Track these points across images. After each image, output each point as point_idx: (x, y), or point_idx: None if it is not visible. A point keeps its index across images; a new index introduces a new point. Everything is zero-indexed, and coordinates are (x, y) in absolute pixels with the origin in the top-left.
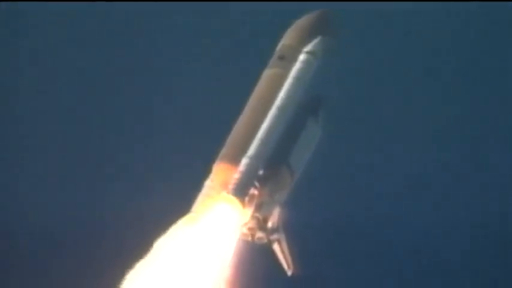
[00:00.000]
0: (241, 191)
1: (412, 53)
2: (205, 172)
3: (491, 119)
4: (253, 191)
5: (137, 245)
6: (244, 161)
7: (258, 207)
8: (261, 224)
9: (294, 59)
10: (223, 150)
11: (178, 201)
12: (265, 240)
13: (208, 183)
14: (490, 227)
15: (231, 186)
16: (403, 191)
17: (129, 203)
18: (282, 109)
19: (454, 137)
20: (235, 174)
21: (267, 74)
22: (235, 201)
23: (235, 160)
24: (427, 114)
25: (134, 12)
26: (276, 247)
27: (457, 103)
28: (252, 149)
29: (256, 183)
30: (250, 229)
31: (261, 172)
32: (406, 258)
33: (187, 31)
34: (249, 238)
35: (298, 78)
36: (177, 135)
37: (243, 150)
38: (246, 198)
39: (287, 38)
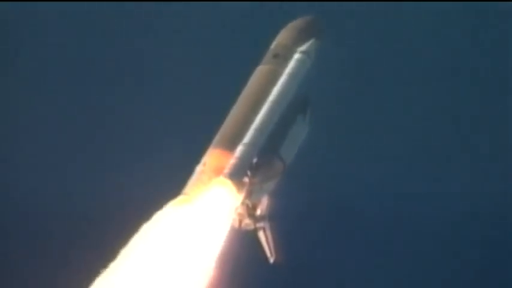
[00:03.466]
0: (236, 175)
1: (396, 55)
2: (193, 159)
3: (479, 124)
4: (245, 179)
5: (125, 228)
6: (240, 147)
7: (248, 194)
8: (250, 211)
9: (288, 58)
10: (218, 137)
11: (166, 185)
12: (252, 227)
13: (199, 168)
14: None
15: (226, 171)
16: (388, 182)
17: (118, 188)
18: (277, 102)
19: (438, 132)
20: (231, 159)
21: (261, 69)
22: (230, 184)
23: (231, 146)
24: (410, 111)
25: (127, 11)
26: (261, 235)
27: (439, 100)
28: (247, 137)
29: (248, 172)
30: (239, 215)
31: (254, 161)
32: (389, 245)
33: (181, 28)
34: (236, 224)
35: (293, 75)
36: (165, 125)
37: (238, 138)
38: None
39: (281, 38)
